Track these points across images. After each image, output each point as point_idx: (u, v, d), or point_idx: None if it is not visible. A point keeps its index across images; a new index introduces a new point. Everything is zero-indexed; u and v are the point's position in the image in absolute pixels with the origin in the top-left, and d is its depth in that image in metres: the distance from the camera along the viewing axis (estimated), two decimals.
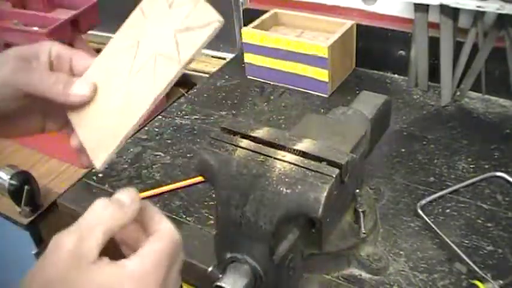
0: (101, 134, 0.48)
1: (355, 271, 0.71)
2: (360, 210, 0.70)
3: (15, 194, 1.03)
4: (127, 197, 0.42)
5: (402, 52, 1.11)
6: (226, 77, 1.21)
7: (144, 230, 0.44)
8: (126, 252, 0.44)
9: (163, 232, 0.42)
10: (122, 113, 0.47)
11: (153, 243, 0.41)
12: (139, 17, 0.49)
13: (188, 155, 0.96)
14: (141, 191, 0.86)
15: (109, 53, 0.50)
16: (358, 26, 1.12)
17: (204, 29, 0.44)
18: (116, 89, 0.48)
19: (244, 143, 0.64)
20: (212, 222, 0.80)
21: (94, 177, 0.92)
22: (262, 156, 0.61)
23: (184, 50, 0.44)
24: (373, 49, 1.14)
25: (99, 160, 0.48)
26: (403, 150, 0.92)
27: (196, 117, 1.07)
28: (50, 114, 0.55)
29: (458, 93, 1.05)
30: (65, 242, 0.38)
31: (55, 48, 0.51)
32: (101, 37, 1.73)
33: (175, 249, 0.42)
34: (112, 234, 0.40)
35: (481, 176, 0.84)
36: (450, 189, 0.82)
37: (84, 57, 0.52)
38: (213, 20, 0.44)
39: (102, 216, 0.40)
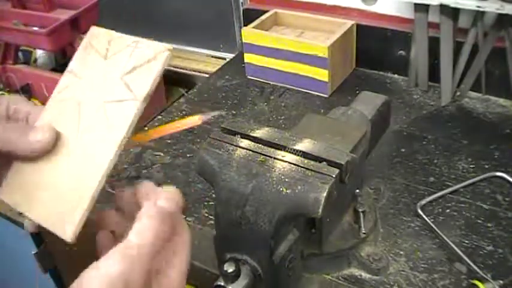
0: (59, 204, 0.43)
1: (355, 271, 0.71)
2: (360, 210, 0.70)
3: None
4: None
5: (402, 52, 1.11)
6: (226, 77, 1.21)
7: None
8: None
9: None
10: (80, 175, 0.43)
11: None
12: (72, 79, 0.46)
13: (188, 155, 0.96)
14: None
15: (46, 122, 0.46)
16: (358, 26, 1.12)
17: (154, 62, 0.42)
18: (63, 156, 0.44)
19: (244, 143, 0.64)
20: (212, 222, 0.80)
21: None
22: (262, 156, 0.61)
23: (139, 87, 0.42)
24: (373, 49, 1.14)
25: (69, 232, 0.42)
26: (403, 150, 0.92)
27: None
28: None
29: (458, 93, 1.05)
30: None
31: (13, 102, 0.48)
32: None
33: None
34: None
35: (481, 176, 0.84)
36: (450, 189, 0.82)
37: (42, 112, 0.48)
38: (161, 50, 0.42)
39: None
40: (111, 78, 0.43)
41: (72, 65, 0.47)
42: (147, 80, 0.42)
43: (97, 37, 0.46)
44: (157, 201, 0.43)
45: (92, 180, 0.42)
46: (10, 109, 0.47)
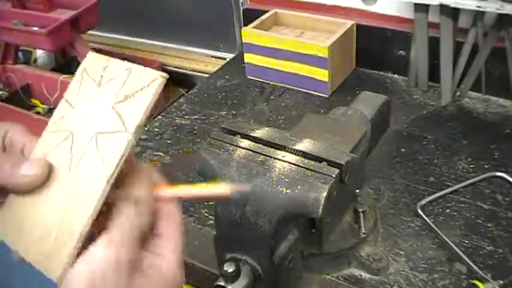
0: (47, 242, 0.41)
1: (355, 271, 0.71)
2: (360, 210, 0.70)
3: None
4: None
5: (402, 52, 1.11)
6: (226, 77, 1.21)
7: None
8: None
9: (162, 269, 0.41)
10: (69, 210, 0.41)
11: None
12: (67, 108, 0.45)
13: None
14: None
15: (40, 155, 0.44)
16: (358, 26, 1.12)
17: (146, 90, 0.41)
18: (54, 190, 0.42)
19: (244, 143, 0.64)
20: (212, 222, 0.80)
21: None
22: (262, 156, 0.61)
23: (130, 117, 0.41)
24: (373, 49, 1.14)
25: (58, 269, 0.40)
26: (403, 150, 0.92)
27: (196, 117, 1.07)
28: None
29: (458, 93, 1.05)
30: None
31: (10, 131, 0.45)
32: (101, 37, 1.73)
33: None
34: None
35: (481, 176, 0.84)
36: (450, 189, 0.82)
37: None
38: (154, 77, 0.41)
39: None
40: (103, 108, 0.42)
41: (67, 93, 0.45)
42: (138, 109, 0.41)
43: (92, 63, 0.44)
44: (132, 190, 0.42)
45: (81, 217, 0.40)
46: (6, 138, 0.45)
